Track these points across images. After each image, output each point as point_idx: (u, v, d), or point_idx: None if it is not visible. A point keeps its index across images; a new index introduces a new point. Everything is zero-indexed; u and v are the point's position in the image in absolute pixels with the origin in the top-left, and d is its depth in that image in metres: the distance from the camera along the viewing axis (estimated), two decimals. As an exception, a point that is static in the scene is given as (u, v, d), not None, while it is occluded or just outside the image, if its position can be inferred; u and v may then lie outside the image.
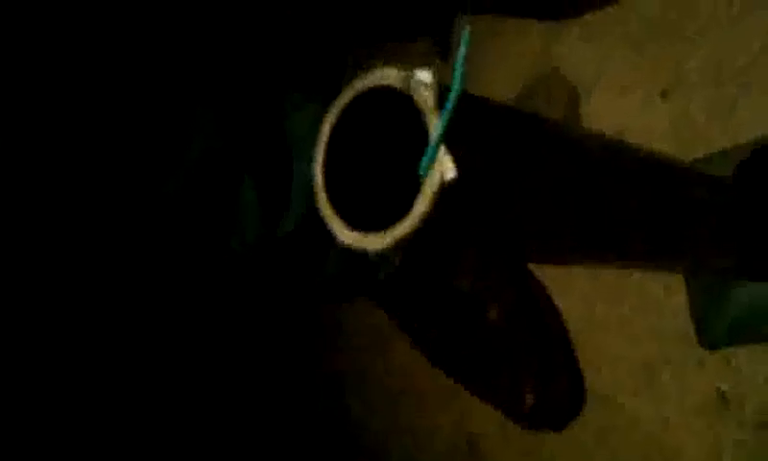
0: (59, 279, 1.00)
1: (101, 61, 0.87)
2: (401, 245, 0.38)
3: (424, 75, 0.37)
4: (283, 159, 0.90)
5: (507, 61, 1.05)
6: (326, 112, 0.40)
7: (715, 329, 0.80)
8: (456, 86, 0.37)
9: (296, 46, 1.09)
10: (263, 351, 1.30)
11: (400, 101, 0.38)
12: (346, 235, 0.39)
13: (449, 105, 0.37)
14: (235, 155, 0.90)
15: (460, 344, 0.96)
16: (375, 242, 0.38)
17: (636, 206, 0.49)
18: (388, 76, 0.38)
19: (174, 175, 0.88)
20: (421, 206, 0.37)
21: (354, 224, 0.40)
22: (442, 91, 0.38)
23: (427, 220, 0.37)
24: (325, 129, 0.40)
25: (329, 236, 0.40)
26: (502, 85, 1.03)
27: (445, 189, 0.37)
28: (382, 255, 0.39)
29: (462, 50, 0.38)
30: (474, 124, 0.39)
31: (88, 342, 1.12)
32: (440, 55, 1.06)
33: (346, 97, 0.40)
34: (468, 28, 0.38)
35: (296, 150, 0.90)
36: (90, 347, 1.13)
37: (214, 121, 0.89)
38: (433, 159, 0.37)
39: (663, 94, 0.89)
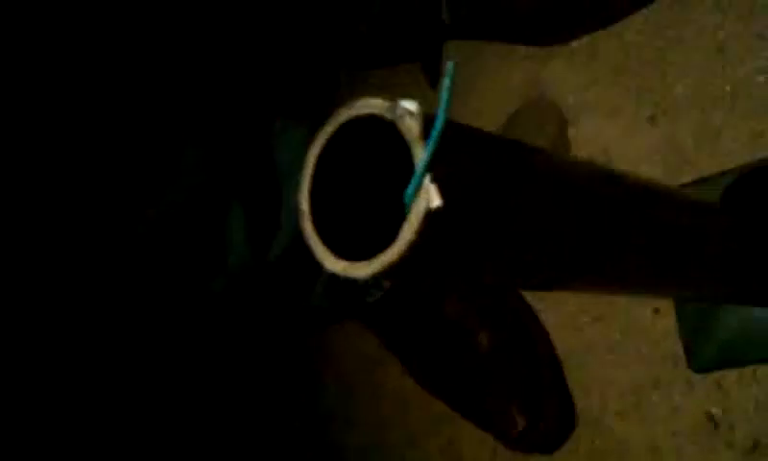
0: (45, 286, 0.99)
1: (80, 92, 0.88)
2: (388, 273, 0.38)
3: (409, 104, 0.38)
4: (272, 185, 0.91)
5: (495, 87, 1.05)
6: (312, 141, 0.40)
7: (705, 353, 0.81)
8: (441, 115, 0.37)
9: (285, 71, 1.09)
10: (248, 374, 1.30)
11: (386, 130, 0.38)
12: (332, 263, 0.39)
13: (434, 133, 0.37)
14: (221, 187, 0.90)
15: (449, 367, 0.96)
16: (361, 270, 0.38)
17: (626, 235, 0.49)
18: (373, 105, 0.38)
19: (158, 214, 0.88)
20: (407, 234, 0.37)
21: (341, 251, 0.40)
22: (427, 120, 0.38)
23: (413, 248, 0.37)
24: (311, 158, 0.40)
25: (316, 263, 0.40)
26: (490, 111, 1.03)
27: (431, 218, 0.37)
28: (369, 282, 0.39)
29: (447, 80, 0.38)
30: (460, 153, 0.39)
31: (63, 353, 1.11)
32: (429, 81, 1.06)
33: (331, 126, 0.40)
34: (453, 60, 0.38)
35: (284, 175, 0.91)
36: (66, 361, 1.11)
37: (201, 156, 0.90)
38: (418, 188, 0.37)
39: (651, 119, 0.89)
